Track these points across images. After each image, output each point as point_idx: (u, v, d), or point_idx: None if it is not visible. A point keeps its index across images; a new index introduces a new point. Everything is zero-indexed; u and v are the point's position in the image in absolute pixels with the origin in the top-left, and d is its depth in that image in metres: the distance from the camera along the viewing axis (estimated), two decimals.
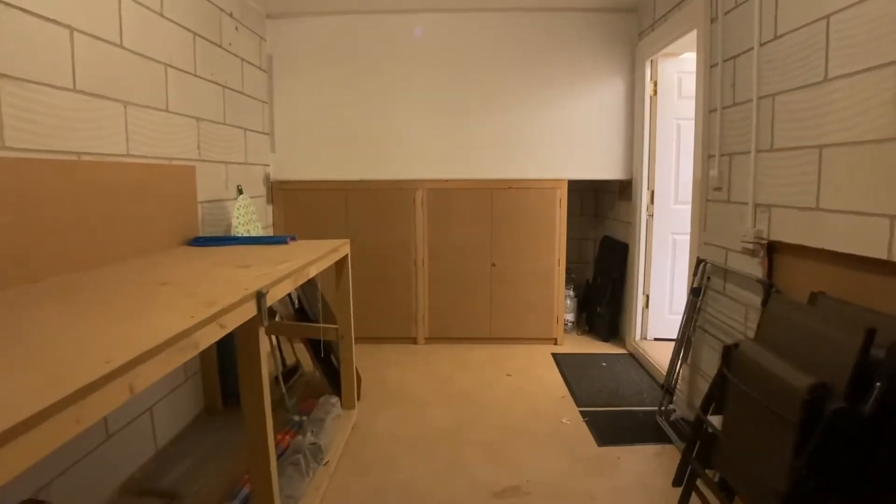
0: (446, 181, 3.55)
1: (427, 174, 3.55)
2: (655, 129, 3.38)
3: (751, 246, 2.07)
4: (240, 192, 3.01)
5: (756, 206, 2.05)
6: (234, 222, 2.59)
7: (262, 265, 1.70)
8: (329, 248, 2.12)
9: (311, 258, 1.84)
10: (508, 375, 3.13)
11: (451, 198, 3.55)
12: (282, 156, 3.58)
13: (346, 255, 2.40)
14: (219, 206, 2.79)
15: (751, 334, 2.06)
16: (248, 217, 2.77)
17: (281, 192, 3.61)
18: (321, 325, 2.53)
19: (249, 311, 1.27)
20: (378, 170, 3.57)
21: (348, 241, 2.42)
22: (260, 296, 1.31)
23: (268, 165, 3.55)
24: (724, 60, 2.30)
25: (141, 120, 2.11)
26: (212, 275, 1.54)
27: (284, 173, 3.60)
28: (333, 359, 2.66)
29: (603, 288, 3.92)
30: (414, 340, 3.70)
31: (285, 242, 2.28)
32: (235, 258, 1.87)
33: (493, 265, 3.60)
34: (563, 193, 3.53)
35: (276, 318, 2.83)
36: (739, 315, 2.17)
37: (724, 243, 2.31)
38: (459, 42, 3.51)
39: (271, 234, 3.58)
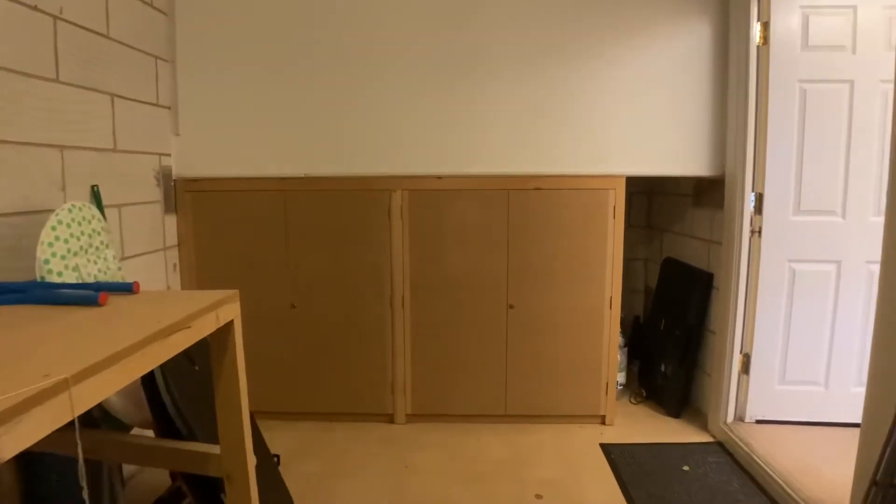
0: (439, 178, 2.41)
1: (410, 168, 2.42)
2: (766, 99, 2.25)
3: None
4: (95, 196, 1.90)
5: None
6: (43, 255, 1.47)
7: None
8: (175, 319, 0.99)
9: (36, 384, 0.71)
10: (539, 497, 1.99)
11: (445, 203, 2.41)
12: (190, 141, 2.46)
13: (231, 325, 1.27)
14: (41, 223, 1.67)
15: None
16: (86, 243, 1.64)
17: (189, 196, 2.48)
18: (190, 446, 1.40)
19: None
20: (335, 161, 2.43)
21: (235, 293, 1.29)
22: None
23: (167, 155, 2.43)
24: None
25: None
26: None
27: (194, 167, 2.47)
28: (224, 499, 1.53)
29: (670, 336, 2.78)
30: (390, 418, 2.57)
31: (95, 303, 1.15)
32: None
33: (511, 307, 2.46)
34: (618, 197, 2.39)
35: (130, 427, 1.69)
36: None
37: None
38: None
39: (159, 263, 2.45)
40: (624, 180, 2.38)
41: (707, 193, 2.65)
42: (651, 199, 3.35)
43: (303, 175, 2.43)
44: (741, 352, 2.42)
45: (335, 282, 2.47)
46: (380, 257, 2.44)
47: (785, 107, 2.24)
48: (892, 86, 2.24)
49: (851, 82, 2.24)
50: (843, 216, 2.30)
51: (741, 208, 2.32)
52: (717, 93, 2.39)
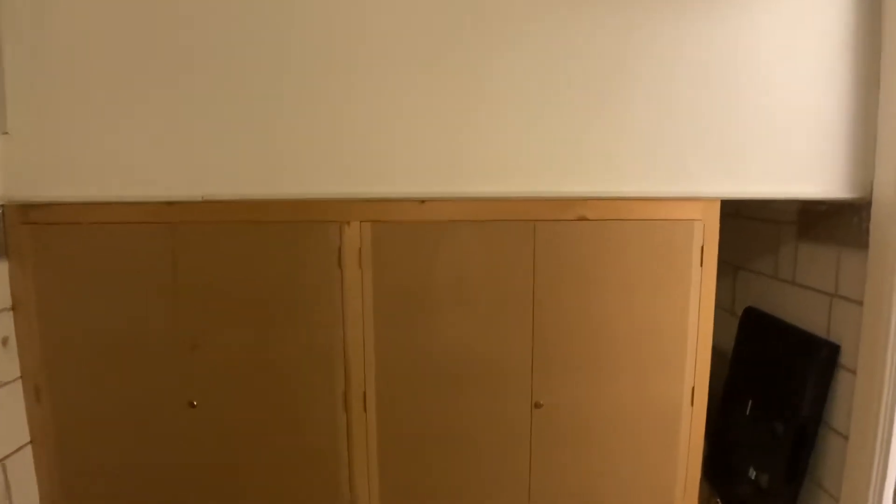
0: (422, 203, 1.53)
1: (373, 186, 1.52)
2: None
3: None
4: None
5: None
6: None
7: None
8: None
9: None
10: None
11: (432, 243, 1.53)
12: (28, 144, 1.55)
13: None
14: None
15: None
16: None
17: (27, 232, 1.58)
18: None
19: None
20: (251, 176, 1.53)
21: None
22: None
23: None
24: None
25: None
26: None
27: (34, 185, 1.57)
28: None
29: (764, 428, 1.91)
30: None
31: None
32: None
33: (538, 405, 1.58)
34: (709, 231, 1.53)
35: None
36: None
37: None
38: None
39: None
40: (718, 206, 1.52)
41: (825, 221, 1.79)
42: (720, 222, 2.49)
43: (200, 198, 1.53)
44: None
45: (256, 369, 1.57)
46: (327, 331, 1.55)
47: None
48: None
49: None
50: None
51: None
52: (861, 68, 1.53)
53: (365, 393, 1.56)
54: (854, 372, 1.65)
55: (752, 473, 1.93)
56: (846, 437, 1.68)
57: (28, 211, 1.57)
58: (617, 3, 1.46)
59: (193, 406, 1.59)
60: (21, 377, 1.64)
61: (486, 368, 1.55)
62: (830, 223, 1.76)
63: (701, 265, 1.52)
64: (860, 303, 1.62)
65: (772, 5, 1.49)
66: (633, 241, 1.51)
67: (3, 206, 1.57)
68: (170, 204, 1.54)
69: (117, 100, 1.52)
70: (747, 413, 2.02)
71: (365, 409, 1.57)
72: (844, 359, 1.71)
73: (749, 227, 2.23)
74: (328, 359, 1.55)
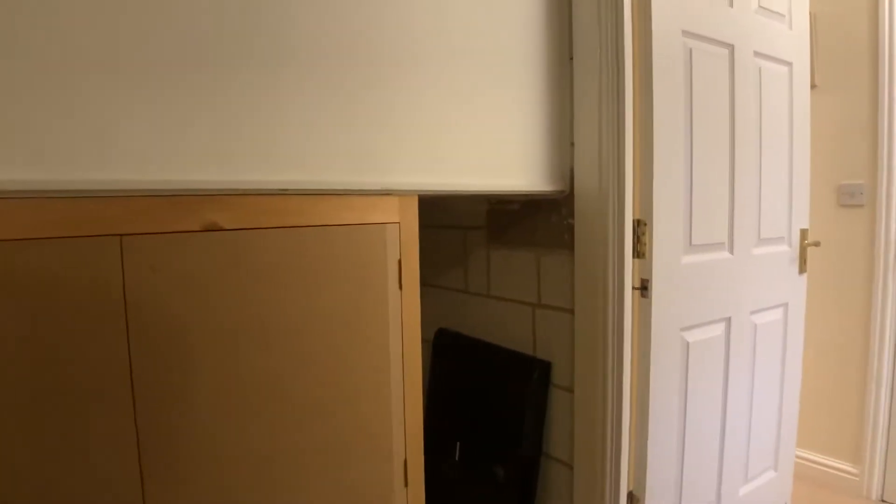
0: None
1: None
2: (648, 54, 1.27)
3: None
4: None
5: None
6: None
7: None
8: None
9: None
10: None
11: None
12: None
13: None
14: None
15: None
16: None
17: None
18: None
19: None
20: None
21: None
22: None
23: None
24: None
25: None
26: None
27: None
28: None
29: (482, 475, 1.60)
30: None
31: None
32: None
33: None
34: (407, 238, 1.08)
35: None
36: None
37: None
38: None
39: None
40: (416, 204, 1.09)
41: (519, 223, 1.56)
42: None
43: None
44: (627, 489, 1.39)
45: None
46: None
47: (669, 74, 1.30)
48: (768, 63, 1.55)
49: (731, 48, 1.45)
50: (732, 249, 1.50)
51: (616, 249, 1.27)
52: (554, 44, 1.31)
53: None
54: (571, 391, 1.43)
55: None
56: (570, 467, 1.46)
57: None
58: None
59: None
60: None
61: None
62: (525, 225, 1.54)
63: (400, 287, 1.07)
64: (569, 311, 1.41)
65: None
66: (301, 262, 0.96)
67: None
68: None
69: None
70: (457, 459, 1.69)
71: None
72: (557, 377, 1.49)
73: (429, 236, 1.93)
74: None
